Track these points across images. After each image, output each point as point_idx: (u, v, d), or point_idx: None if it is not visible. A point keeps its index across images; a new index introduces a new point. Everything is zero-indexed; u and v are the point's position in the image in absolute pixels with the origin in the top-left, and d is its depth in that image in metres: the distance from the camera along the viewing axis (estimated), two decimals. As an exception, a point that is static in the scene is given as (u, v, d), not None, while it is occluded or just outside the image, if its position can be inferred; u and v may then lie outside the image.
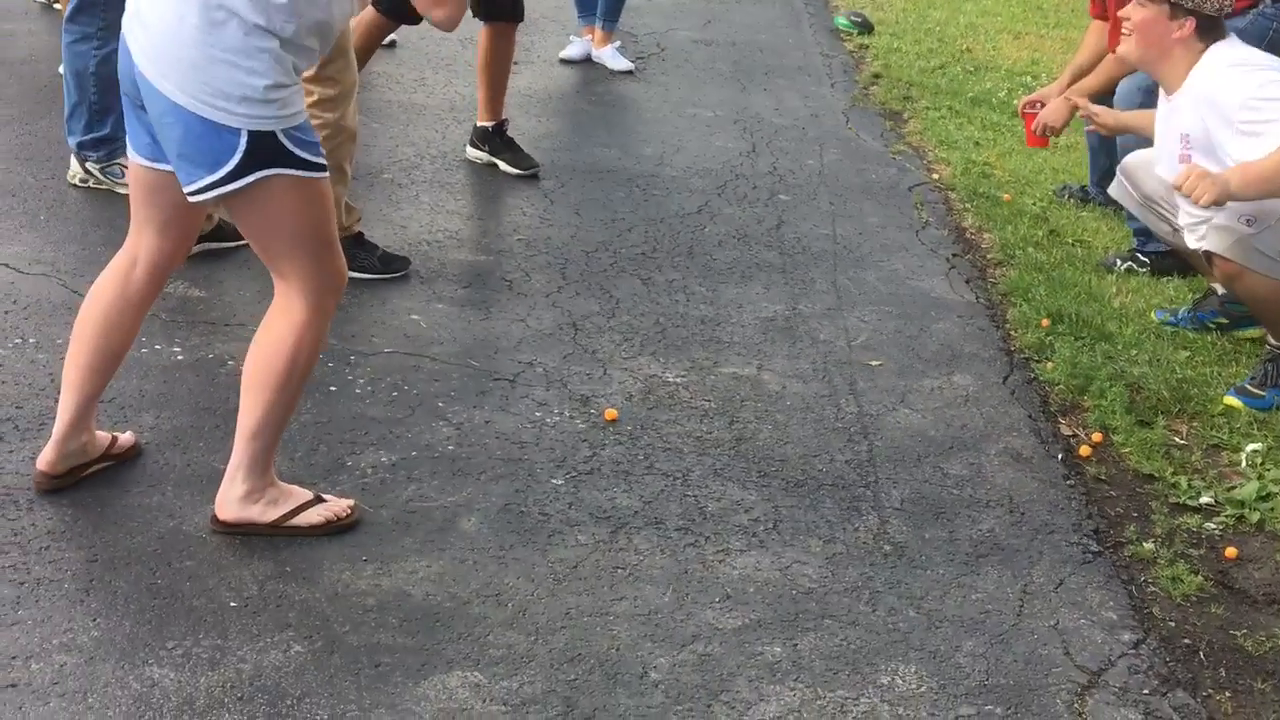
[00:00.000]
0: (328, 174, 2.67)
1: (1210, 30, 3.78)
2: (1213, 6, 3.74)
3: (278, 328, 2.71)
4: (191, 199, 2.61)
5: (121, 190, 4.36)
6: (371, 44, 4.91)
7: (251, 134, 2.53)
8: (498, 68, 5.14)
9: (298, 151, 2.60)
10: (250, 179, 2.56)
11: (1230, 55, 3.74)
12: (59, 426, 2.88)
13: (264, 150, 2.55)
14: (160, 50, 2.53)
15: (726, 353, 3.92)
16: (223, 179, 2.55)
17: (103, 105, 4.39)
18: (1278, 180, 3.48)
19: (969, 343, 4.12)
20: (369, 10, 4.87)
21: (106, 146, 4.46)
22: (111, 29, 4.32)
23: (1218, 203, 3.49)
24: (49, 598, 2.59)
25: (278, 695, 2.40)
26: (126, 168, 4.31)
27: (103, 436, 2.98)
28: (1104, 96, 4.72)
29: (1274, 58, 3.80)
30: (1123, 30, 3.93)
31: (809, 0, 8.71)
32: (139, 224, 2.82)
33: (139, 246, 2.83)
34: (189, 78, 2.50)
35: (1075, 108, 4.65)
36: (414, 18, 4.96)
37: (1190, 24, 3.75)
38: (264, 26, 2.50)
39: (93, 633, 2.51)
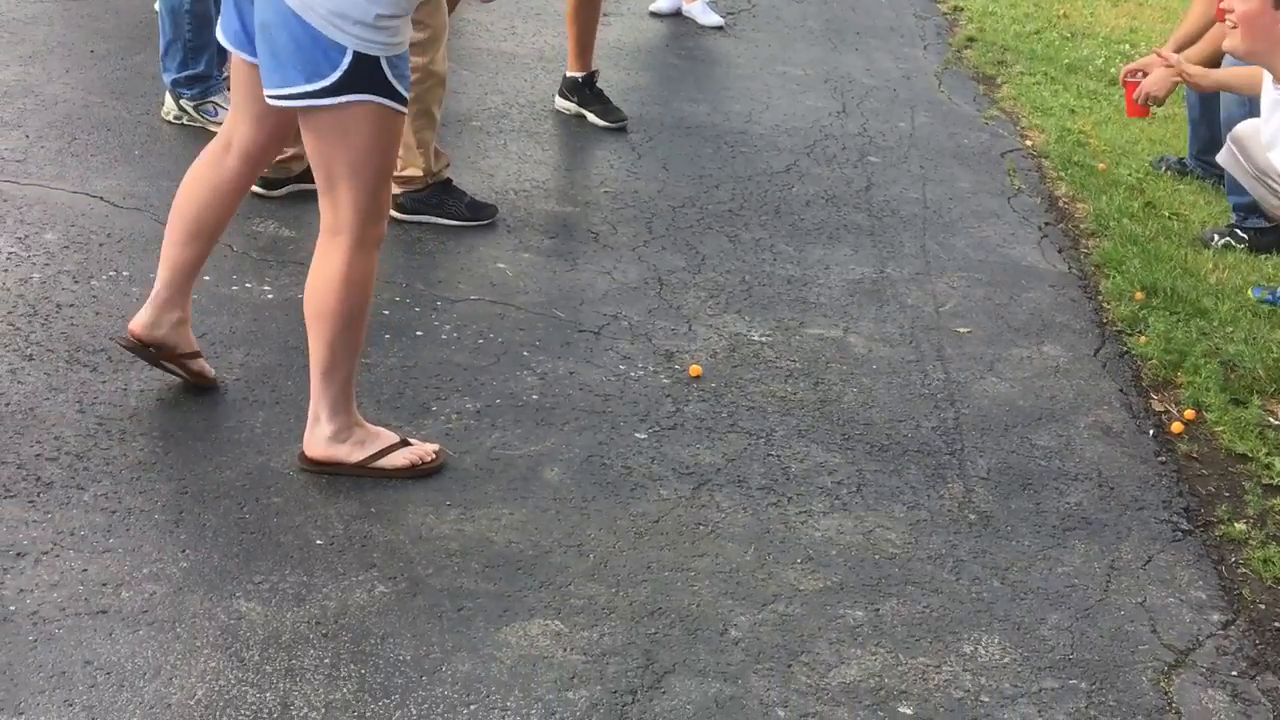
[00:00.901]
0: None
1: None
2: None
3: (326, 265, 2.72)
4: (278, 103, 2.62)
5: (214, 129, 4.39)
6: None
7: (357, 55, 2.54)
8: (587, 19, 5.11)
9: (394, 82, 2.62)
10: (346, 99, 2.57)
11: None
12: (154, 293, 2.95)
13: (364, 74, 2.56)
14: None
15: (812, 313, 3.88)
16: (317, 92, 2.57)
17: (197, 42, 4.40)
18: None
19: (1060, 313, 4.05)
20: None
21: (200, 84, 4.48)
22: None
23: None
24: (139, 527, 2.62)
25: (361, 634, 2.42)
26: (222, 105, 4.37)
27: (194, 339, 3.02)
28: (1213, 65, 4.60)
29: None
30: (1227, 23, 3.81)
31: (903, -40, 8.57)
32: (236, 110, 2.87)
33: (234, 132, 2.88)
34: None
35: (1177, 83, 4.54)
36: None
37: None
38: None
39: (181, 564, 2.54)
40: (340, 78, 2.55)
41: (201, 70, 4.46)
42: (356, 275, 2.72)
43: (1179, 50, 4.69)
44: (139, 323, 2.95)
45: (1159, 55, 4.56)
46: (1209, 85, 4.40)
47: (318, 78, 2.55)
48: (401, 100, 2.64)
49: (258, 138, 2.85)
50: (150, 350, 2.97)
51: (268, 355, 3.27)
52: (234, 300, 3.50)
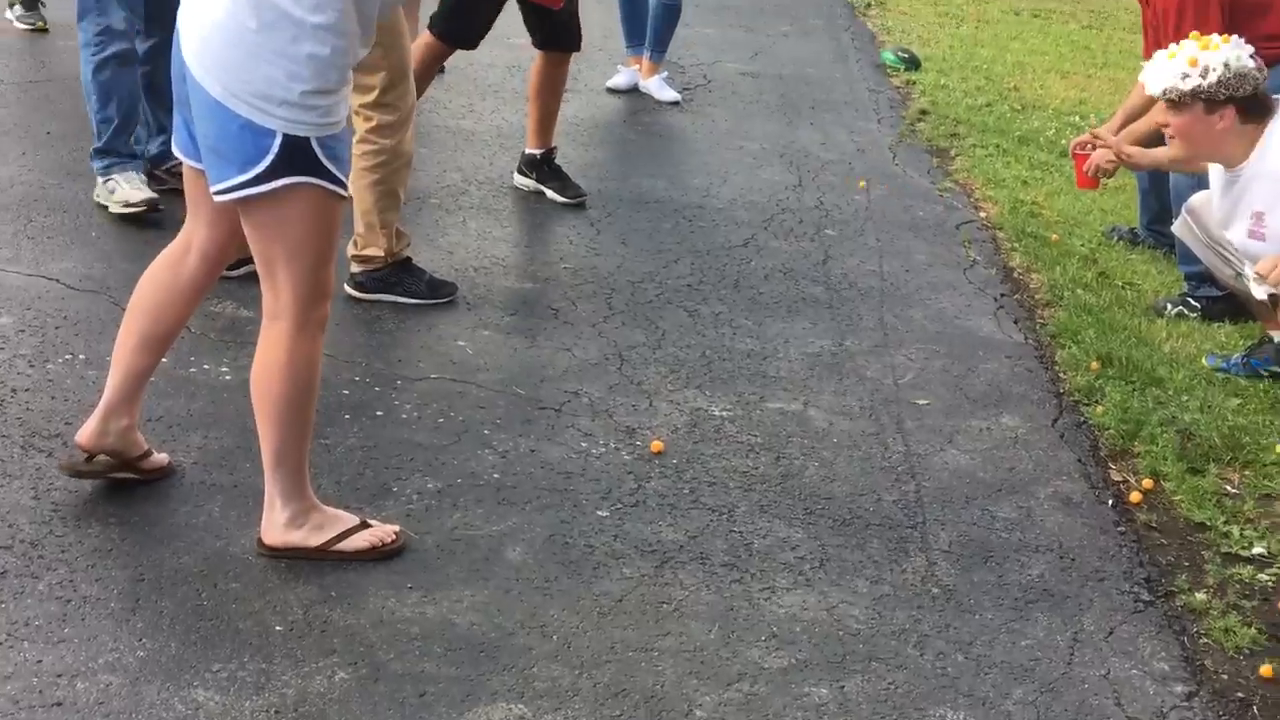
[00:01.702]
0: (347, 194, 2.68)
1: (1255, 108, 3.72)
2: (1247, 87, 3.68)
3: (270, 347, 2.71)
4: (217, 198, 2.62)
5: (115, 209, 4.38)
6: (430, 69, 4.94)
7: (286, 138, 2.54)
8: (549, 95, 5.16)
9: (328, 164, 2.60)
10: (278, 184, 2.56)
11: None
12: (103, 401, 2.91)
13: (295, 156, 2.55)
14: (208, 45, 2.55)
15: (773, 388, 3.90)
16: (251, 180, 2.56)
17: (103, 115, 4.39)
18: None
19: (1018, 384, 4.08)
20: (425, 35, 4.90)
21: (103, 158, 4.44)
22: (109, 36, 4.32)
23: None
24: (95, 616, 2.58)
25: (322, 722, 2.38)
26: (121, 185, 4.34)
27: (143, 440, 2.99)
28: (1158, 139, 4.68)
29: None
30: (1166, 135, 3.89)
31: (855, 35, 8.71)
32: (192, 214, 2.86)
33: (193, 235, 2.86)
34: (232, 74, 2.52)
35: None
36: (470, 41, 4.99)
37: (1230, 112, 3.70)
38: (316, 25, 2.51)
39: (138, 653, 2.50)
40: (271, 162, 2.53)
41: (102, 145, 4.43)
42: (300, 360, 2.71)
43: (1126, 123, 4.77)
44: (86, 433, 2.90)
45: (1096, 135, 4.64)
46: (1147, 165, 4.49)
47: (250, 166, 2.54)
48: (337, 182, 2.63)
49: (216, 238, 2.83)
50: (99, 461, 2.92)
51: (226, 437, 3.25)
52: (191, 382, 3.48)
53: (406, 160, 4.02)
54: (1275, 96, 3.82)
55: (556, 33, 4.98)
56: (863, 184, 5.72)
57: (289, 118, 2.53)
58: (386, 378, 3.67)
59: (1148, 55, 4.71)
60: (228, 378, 3.54)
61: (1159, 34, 4.58)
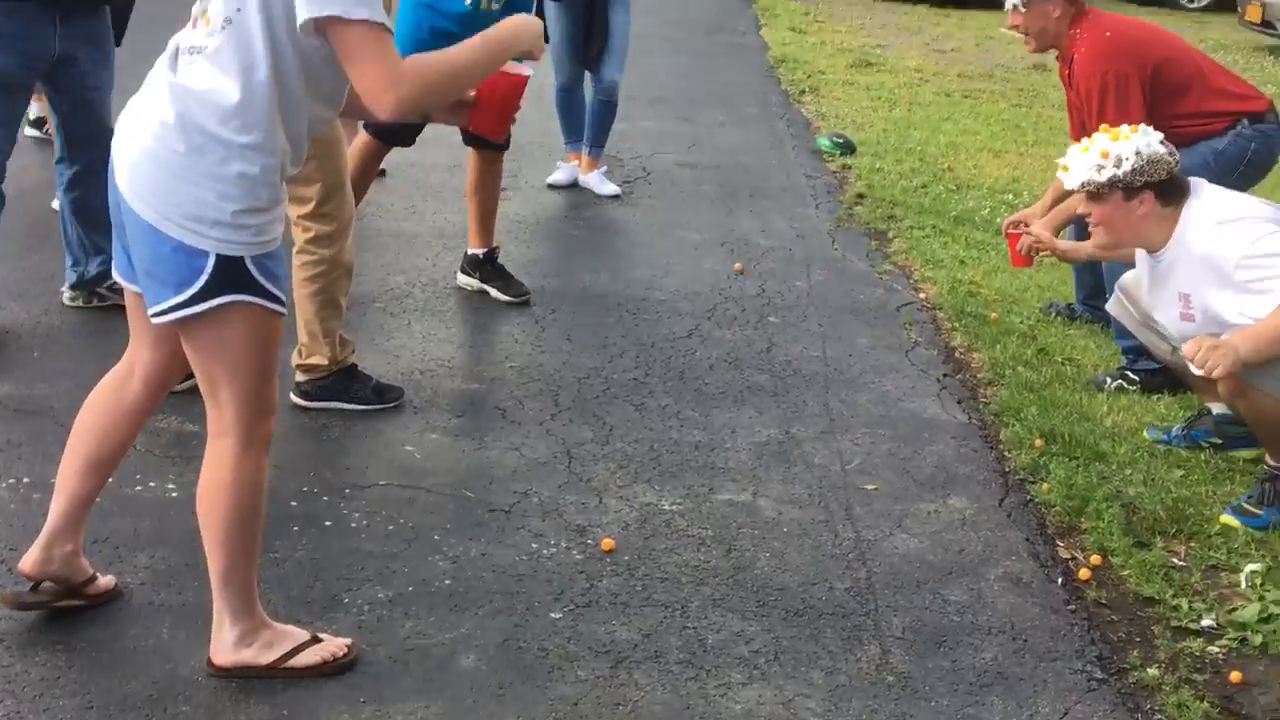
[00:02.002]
0: (284, 311, 2.69)
1: (1172, 191, 3.80)
2: (1161, 171, 3.78)
3: (213, 470, 2.70)
4: (155, 320, 2.62)
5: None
6: (368, 172, 4.98)
7: (219, 257, 2.54)
8: (486, 194, 5.21)
9: (263, 281, 2.60)
10: (214, 303, 2.56)
11: (1215, 211, 3.74)
12: (47, 528, 2.88)
13: (230, 275, 2.56)
14: (137, 169, 2.56)
15: (722, 479, 3.92)
16: (187, 301, 2.56)
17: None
18: None
19: (963, 464, 4.12)
20: (361, 135, 4.94)
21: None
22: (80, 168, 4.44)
23: (1230, 372, 3.49)
24: (42, 748, 2.54)
25: (276, 847, 2.35)
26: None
27: (88, 565, 2.96)
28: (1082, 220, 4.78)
29: (1256, 202, 3.80)
30: (1090, 224, 3.98)
31: (791, 122, 8.86)
32: (134, 338, 2.85)
33: (135, 359, 2.85)
34: (163, 198, 2.53)
35: (1060, 227, 4.72)
36: (407, 139, 5.04)
37: (1148, 197, 3.79)
38: (242, 146, 2.53)
39: (87, 784, 2.46)
40: (206, 282, 2.54)
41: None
42: (245, 477, 2.70)
43: (1056, 203, 4.87)
44: (30, 561, 2.88)
45: (1026, 221, 4.73)
46: (1081, 258, 4.58)
47: (185, 287, 2.54)
48: (274, 299, 2.63)
49: (158, 360, 2.83)
50: (44, 589, 2.89)
51: (173, 556, 3.22)
52: (137, 501, 3.46)
53: (347, 269, 4.05)
54: (1190, 179, 3.91)
55: None
56: (738, 267, 5.79)
57: (222, 238, 2.54)
58: (335, 487, 3.66)
59: (1074, 135, 4.85)
60: (174, 494, 3.52)
61: (1083, 115, 4.70)
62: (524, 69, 3.06)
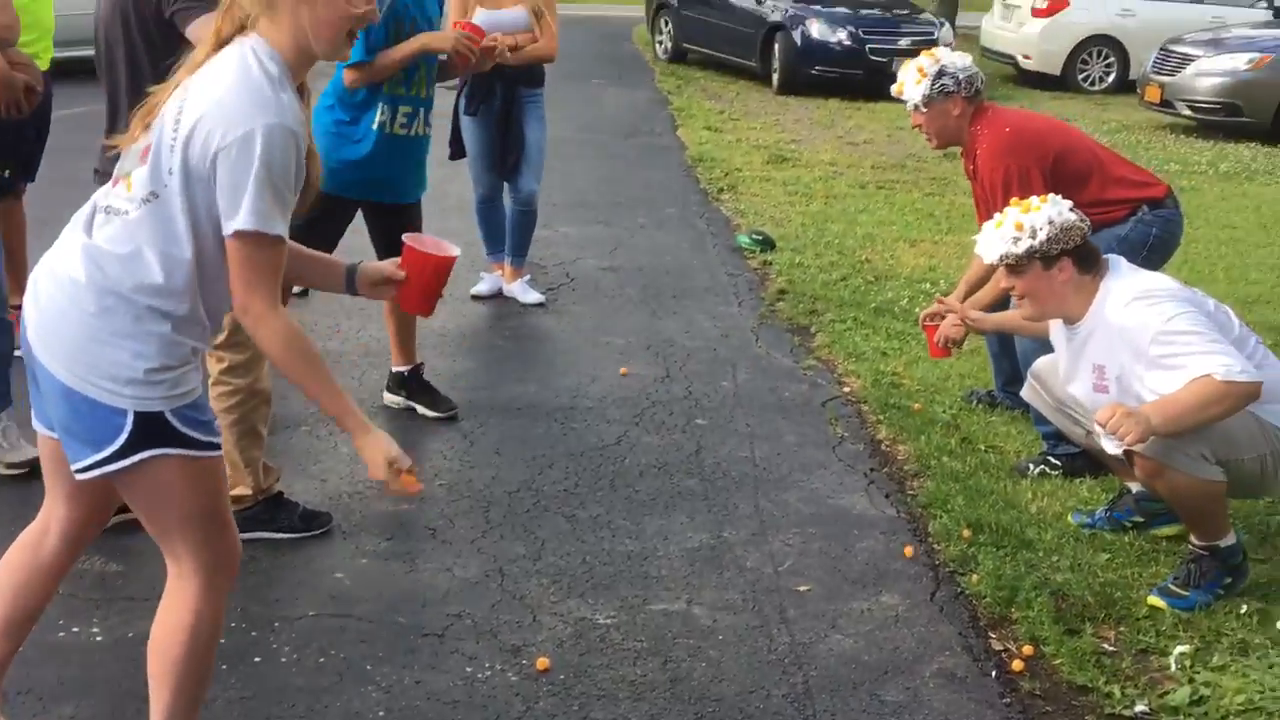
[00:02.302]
0: (220, 452, 2.66)
1: (1088, 258, 3.91)
2: (1076, 237, 3.88)
3: (172, 612, 2.67)
4: (78, 476, 2.59)
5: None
6: (284, 289, 4.96)
7: (138, 414, 2.52)
8: (403, 313, 5.22)
9: (187, 431, 2.57)
10: (136, 458, 2.53)
11: (1130, 287, 3.84)
12: None
13: (151, 430, 2.53)
14: (49, 330, 2.55)
15: (655, 588, 3.92)
16: (108, 458, 2.53)
17: None
18: (1196, 414, 3.54)
19: (894, 560, 4.15)
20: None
21: None
22: None
23: (1142, 441, 3.57)
24: None
25: None
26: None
27: None
28: (1002, 306, 4.88)
29: (1170, 281, 3.90)
30: (1014, 298, 4.08)
31: (710, 220, 8.97)
32: (50, 492, 2.81)
33: (52, 515, 2.81)
34: (76, 359, 2.51)
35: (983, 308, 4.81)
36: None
37: (1067, 263, 3.89)
38: (155, 308, 2.52)
39: None
40: (127, 439, 2.51)
41: None
42: (205, 621, 2.67)
43: (969, 293, 4.97)
44: None
45: (941, 302, 4.83)
46: (991, 328, 4.68)
47: (105, 444, 2.52)
48: (203, 445, 2.59)
49: (75, 515, 2.80)
50: None
51: (99, 704, 3.16)
52: (61, 648, 3.40)
53: (265, 397, 4.03)
54: (1108, 255, 4.02)
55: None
56: (624, 371, 5.83)
57: (138, 395, 2.51)
58: (264, 620, 3.62)
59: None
60: (99, 639, 3.46)
61: (989, 208, 4.81)
62: (453, 250, 3.10)
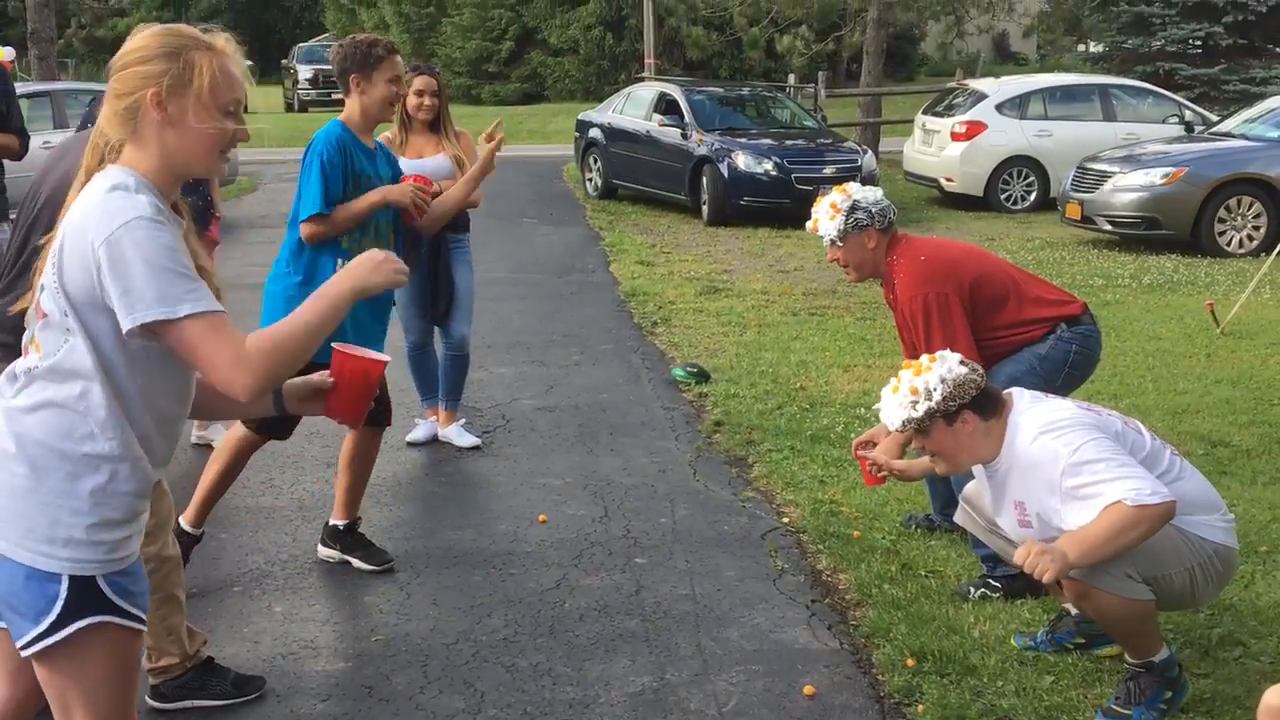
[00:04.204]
0: (144, 626, 2.62)
1: (989, 405, 3.93)
2: (972, 389, 3.91)
3: None
4: (23, 653, 2.54)
5: None
6: (239, 465, 4.93)
7: (72, 581, 2.48)
8: (361, 467, 5.19)
9: (119, 601, 2.54)
10: (72, 629, 2.49)
11: (1035, 421, 3.86)
12: None
13: (85, 599, 2.50)
14: None
15: (598, 737, 3.85)
16: (46, 630, 2.49)
17: None
18: (1112, 541, 3.55)
19: (838, 693, 4.11)
20: (236, 429, 4.89)
21: None
22: None
23: (1059, 576, 3.57)
24: None
25: None
26: None
27: None
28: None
29: (1072, 408, 3.93)
30: (929, 457, 4.12)
31: (645, 355, 9.02)
32: None
33: None
34: (12, 524, 2.48)
35: (904, 446, 4.83)
36: (283, 431, 4.97)
37: (969, 415, 3.92)
38: (89, 455, 2.49)
39: None
40: (62, 609, 2.48)
41: None
42: None
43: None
44: None
45: (859, 457, 4.82)
46: (918, 476, 4.72)
47: (42, 616, 2.48)
48: (132, 617, 2.57)
49: (15, 695, 2.75)
50: None
51: None
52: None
53: (175, 562, 3.95)
54: (1010, 389, 4.06)
55: (375, 409, 5.01)
56: (542, 519, 5.74)
57: (73, 557, 2.48)
58: (195, 793, 3.51)
59: (906, 355, 5.01)
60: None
61: (911, 336, 4.88)
62: (382, 356, 3.09)
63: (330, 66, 5.46)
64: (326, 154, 4.89)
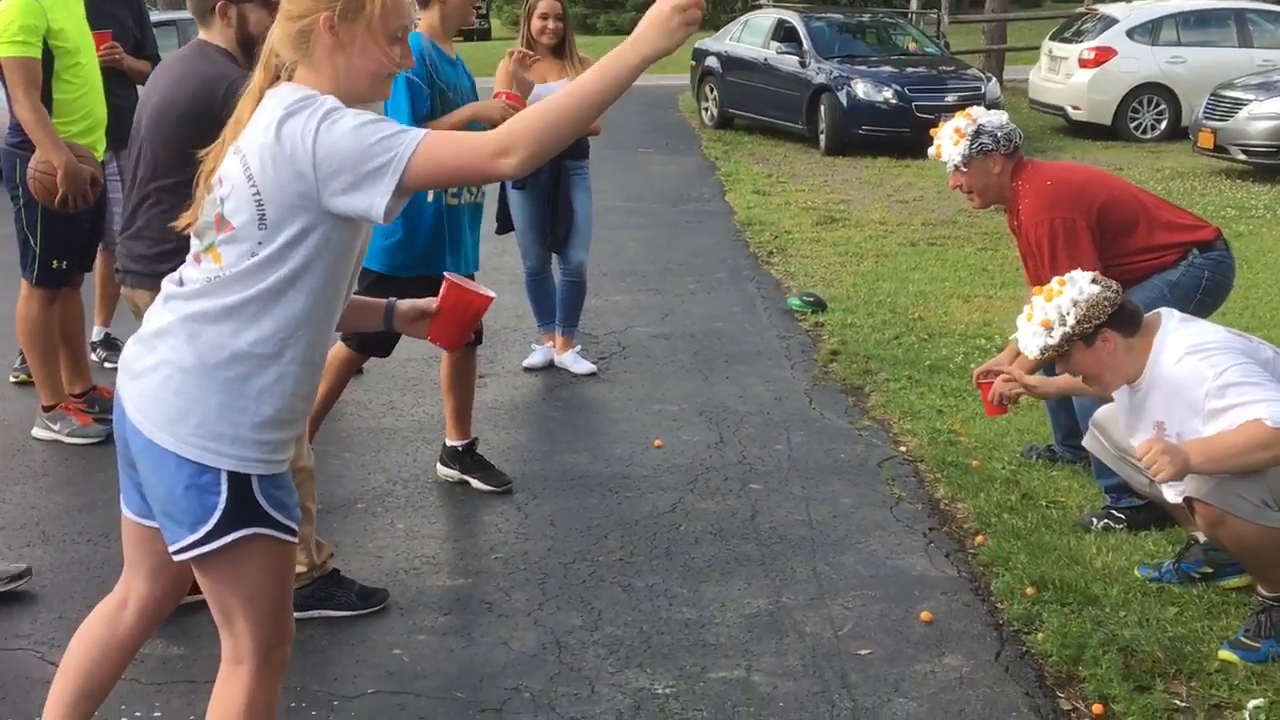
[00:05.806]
0: (296, 538, 2.68)
1: (1129, 321, 3.86)
2: (1107, 307, 3.83)
3: (226, 696, 2.67)
4: (176, 559, 2.62)
5: None
6: (343, 381, 5.00)
7: (231, 486, 2.53)
8: (462, 388, 5.24)
9: (272, 512, 2.59)
10: (228, 539, 2.55)
11: (1183, 341, 3.79)
12: None
13: (241, 510, 2.55)
14: (150, 396, 2.55)
15: (714, 656, 3.87)
16: (201, 539, 2.55)
17: None
18: (1241, 456, 3.48)
19: (956, 620, 4.09)
20: (338, 347, 4.97)
21: None
22: None
23: (1176, 478, 3.51)
24: None
25: None
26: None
27: None
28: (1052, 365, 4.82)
29: (1222, 332, 3.84)
30: (1071, 376, 4.05)
31: (761, 284, 8.97)
32: (130, 568, 2.84)
33: (129, 590, 2.85)
34: (179, 420, 2.52)
35: (1034, 369, 4.75)
36: (383, 350, 5.08)
37: (1109, 334, 3.85)
38: (264, 354, 2.53)
39: None
40: (219, 519, 2.53)
41: None
42: (259, 705, 2.67)
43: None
44: None
45: (993, 371, 4.75)
46: (1053, 394, 4.62)
47: (199, 525, 2.54)
48: (287, 530, 2.62)
49: (154, 592, 2.84)
50: None
51: (159, 789, 3.16)
52: (122, 733, 3.41)
53: (308, 473, 4.02)
54: (1159, 309, 3.97)
55: None
56: (658, 443, 5.74)
57: (239, 454, 2.52)
58: (322, 699, 3.61)
59: (1030, 282, 4.92)
60: (159, 723, 3.47)
61: (1036, 261, 4.78)
62: (489, 292, 3.12)
63: None
64: (411, 69, 4.86)
